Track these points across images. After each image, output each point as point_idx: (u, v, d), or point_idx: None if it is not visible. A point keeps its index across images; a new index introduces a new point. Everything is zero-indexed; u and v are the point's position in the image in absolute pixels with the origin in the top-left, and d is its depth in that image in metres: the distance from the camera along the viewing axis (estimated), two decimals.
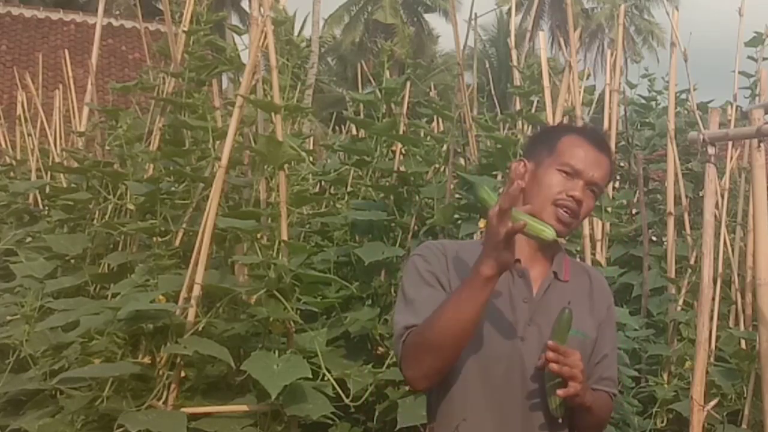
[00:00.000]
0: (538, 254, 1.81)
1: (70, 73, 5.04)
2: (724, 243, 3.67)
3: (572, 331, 1.72)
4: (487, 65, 6.64)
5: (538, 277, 1.79)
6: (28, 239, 3.96)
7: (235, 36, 3.52)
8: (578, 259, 3.04)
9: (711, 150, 2.50)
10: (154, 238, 3.02)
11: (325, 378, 2.56)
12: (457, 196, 3.62)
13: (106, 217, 3.41)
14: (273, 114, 2.72)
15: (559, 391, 1.63)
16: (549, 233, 1.60)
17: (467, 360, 1.71)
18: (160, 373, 2.58)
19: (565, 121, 3.48)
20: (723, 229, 3.63)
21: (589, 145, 1.79)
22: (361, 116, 4.34)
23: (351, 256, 3.33)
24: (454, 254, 1.78)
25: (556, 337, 1.64)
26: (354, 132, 5.00)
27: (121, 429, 2.36)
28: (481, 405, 1.72)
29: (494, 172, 3.55)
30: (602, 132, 2.84)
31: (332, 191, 4.27)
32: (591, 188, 1.77)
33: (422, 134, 4.03)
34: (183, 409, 2.49)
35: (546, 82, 3.37)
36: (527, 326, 1.73)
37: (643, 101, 5.71)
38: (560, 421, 1.70)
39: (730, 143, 3.88)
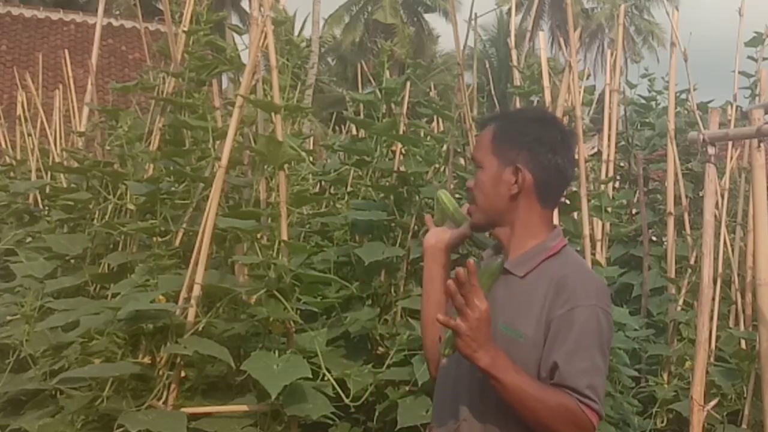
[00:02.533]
0: (493, 258, 1.85)
1: (70, 73, 5.04)
2: (724, 243, 3.67)
3: (503, 326, 1.69)
4: (487, 65, 6.62)
5: None
6: (28, 239, 3.96)
7: (235, 36, 3.51)
8: None
9: (711, 150, 2.51)
10: (154, 238, 3.02)
11: (325, 378, 2.56)
12: (457, 196, 3.62)
13: (106, 217, 3.40)
14: (273, 114, 2.72)
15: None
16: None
17: (440, 367, 1.89)
18: (160, 373, 2.57)
19: (565, 121, 3.46)
20: (723, 229, 3.63)
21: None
22: (361, 116, 4.33)
23: (351, 256, 3.32)
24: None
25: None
26: (354, 132, 4.99)
27: (121, 429, 2.36)
28: (437, 405, 1.88)
29: None
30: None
31: (332, 191, 4.26)
32: (477, 167, 1.86)
33: (422, 134, 4.02)
34: (183, 409, 2.49)
35: (546, 82, 3.36)
36: None
37: (643, 101, 5.72)
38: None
39: (730, 143, 3.88)
